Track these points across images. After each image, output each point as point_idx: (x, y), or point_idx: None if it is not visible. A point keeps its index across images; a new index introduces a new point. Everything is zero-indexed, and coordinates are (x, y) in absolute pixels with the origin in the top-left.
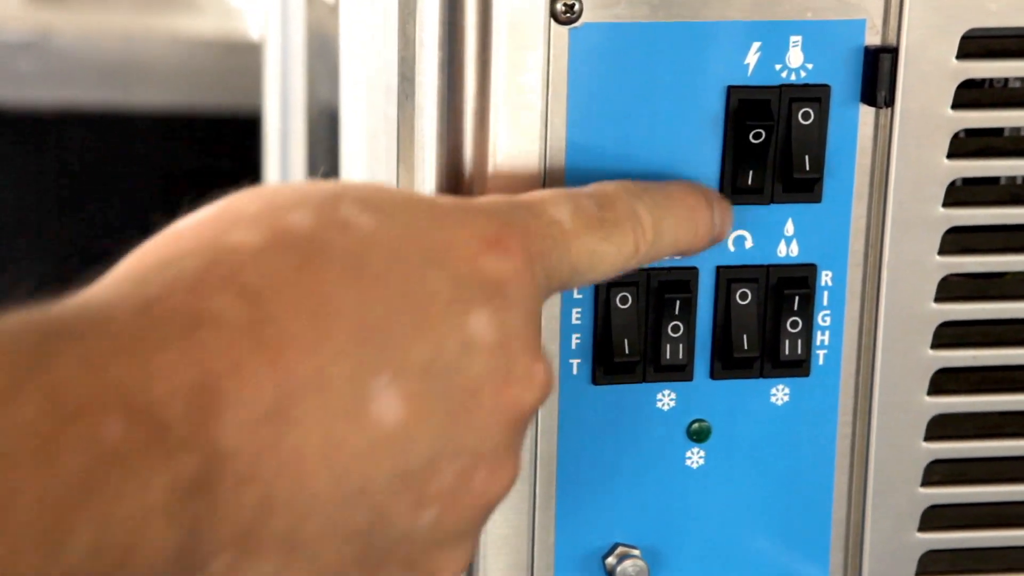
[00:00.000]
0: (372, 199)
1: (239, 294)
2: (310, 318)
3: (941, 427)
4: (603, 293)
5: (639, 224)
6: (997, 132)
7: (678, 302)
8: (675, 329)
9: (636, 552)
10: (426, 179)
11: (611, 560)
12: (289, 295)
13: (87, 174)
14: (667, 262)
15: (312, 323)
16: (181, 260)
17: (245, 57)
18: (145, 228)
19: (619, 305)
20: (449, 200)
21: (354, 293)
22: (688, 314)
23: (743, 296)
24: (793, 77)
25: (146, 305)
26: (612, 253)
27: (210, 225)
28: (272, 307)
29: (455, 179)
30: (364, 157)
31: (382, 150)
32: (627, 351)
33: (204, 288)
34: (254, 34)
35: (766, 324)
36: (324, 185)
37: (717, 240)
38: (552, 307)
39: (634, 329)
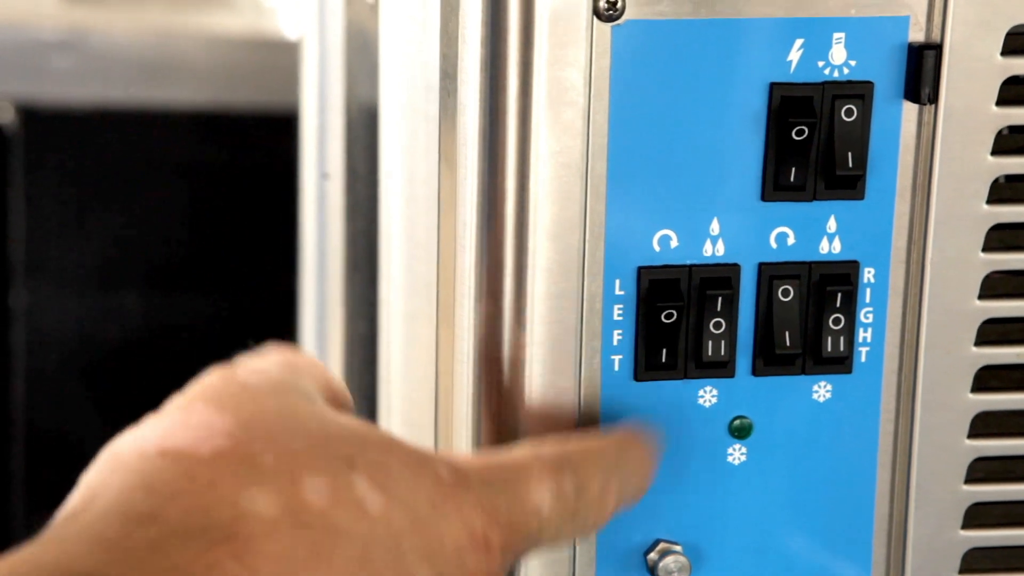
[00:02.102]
0: (384, 470)
1: None
2: None
3: (984, 424)
4: (644, 290)
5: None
6: None
7: (720, 299)
8: (717, 326)
9: (678, 548)
10: (468, 176)
11: (653, 556)
12: None
13: (122, 172)
14: (710, 258)
15: None
16: (198, 521)
17: (279, 55)
18: (178, 226)
19: (661, 303)
20: (447, 475)
21: None
22: (730, 311)
23: (785, 293)
24: (836, 74)
25: None
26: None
27: (227, 472)
28: None
29: (497, 176)
30: (404, 155)
31: (422, 148)
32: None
33: (219, 570)
34: (288, 32)
35: (808, 321)
36: (336, 441)
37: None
38: (594, 303)
39: (677, 326)
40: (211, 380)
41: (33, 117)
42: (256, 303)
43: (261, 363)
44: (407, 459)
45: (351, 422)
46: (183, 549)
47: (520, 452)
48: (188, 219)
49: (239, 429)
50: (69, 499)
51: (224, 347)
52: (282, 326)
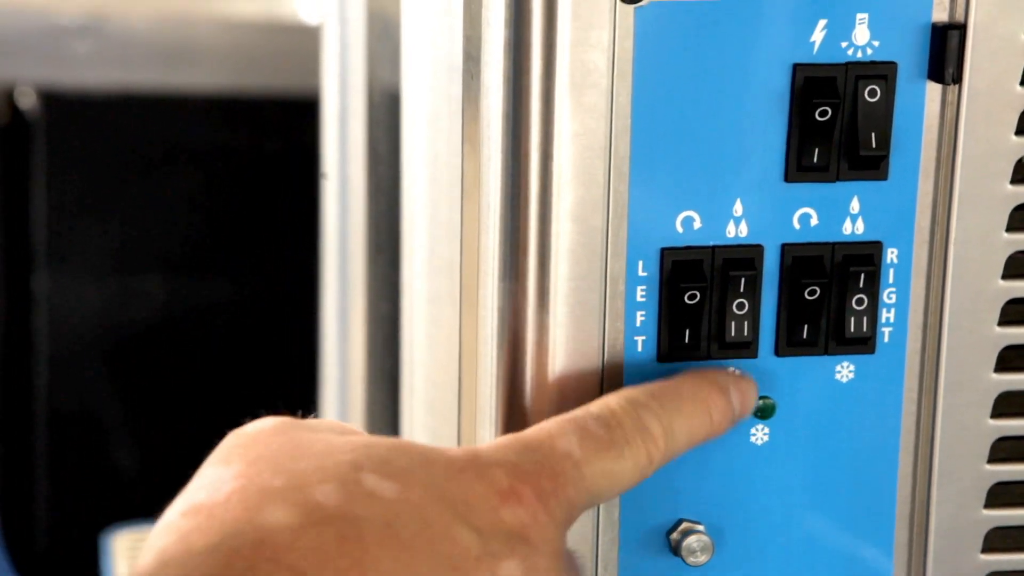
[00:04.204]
0: (390, 464)
1: None
2: None
3: (1008, 404)
4: (668, 271)
5: (648, 435)
6: None
7: (743, 280)
8: (740, 307)
9: (701, 528)
10: (491, 157)
11: (675, 536)
12: (335, 569)
13: (143, 157)
14: (733, 240)
15: None
16: (228, 540)
17: (298, 39)
18: (199, 210)
19: (684, 284)
20: (460, 454)
21: (393, 559)
22: (753, 292)
23: (808, 275)
24: (859, 54)
25: None
26: (628, 470)
27: (240, 503)
28: None
29: (520, 158)
30: (426, 138)
31: (444, 129)
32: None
33: (256, 571)
34: (306, 17)
35: (831, 302)
36: (340, 452)
37: (740, 419)
38: (617, 284)
39: (700, 307)
40: (221, 444)
41: (54, 102)
42: (277, 286)
43: (269, 417)
44: (414, 451)
45: (356, 437)
46: (213, 562)
47: (541, 423)
48: (208, 203)
49: (246, 468)
50: None
51: (245, 330)
52: (304, 308)
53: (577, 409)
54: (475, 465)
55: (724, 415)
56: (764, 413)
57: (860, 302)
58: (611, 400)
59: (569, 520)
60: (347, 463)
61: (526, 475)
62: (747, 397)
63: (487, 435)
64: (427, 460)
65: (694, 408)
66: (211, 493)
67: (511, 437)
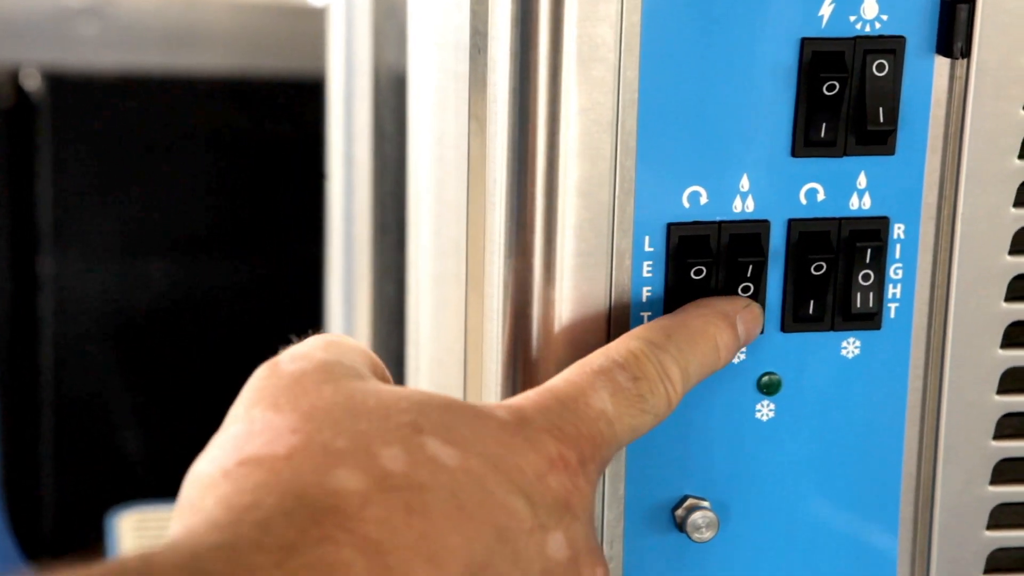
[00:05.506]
0: (449, 429)
1: (362, 548)
2: (427, 563)
3: (1014, 380)
4: (674, 247)
5: (669, 382)
6: None
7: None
8: (746, 284)
9: (706, 504)
10: (498, 134)
11: (680, 512)
12: (405, 542)
13: (148, 139)
14: (740, 215)
15: (429, 568)
16: (303, 506)
17: (304, 21)
18: (204, 192)
19: (691, 260)
20: (508, 416)
21: (459, 533)
22: (759, 267)
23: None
24: (867, 28)
25: (281, 555)
26: (649, 421)
27: (307, 462)
28: (392, 557)
29: (527, 134)
30: (433, 117)
31: (451, 107)
32: None
33: (331, 541)
34: None
35: (838, 277)
36: (397, 412)
37: (745, 345)
38: (624, 260)
39: (706, 282)
40: (259, 382)
41: (59, 84)
42: (283, 268)
43: (303, 349)
44: (466, 412)
45: (405, 391)
46: (288, 526)
47: (567, 371)
48: (214, 185)
49: (303, 422)
50: (169, 534)
51: (250, 312)
52: (309, 290)
53: (598, 354)
54: (525, 430)
55: (730, 348)
56: (770, 389)
57: (867, 278)
58: (632, 344)
59: (600, 475)
60: (407, 424)
61: (570, 440)
62: (752, 326)
63: None
64: (479, 422)
65: (705, 346)
66: (268, 444)
67: (547, 393)
